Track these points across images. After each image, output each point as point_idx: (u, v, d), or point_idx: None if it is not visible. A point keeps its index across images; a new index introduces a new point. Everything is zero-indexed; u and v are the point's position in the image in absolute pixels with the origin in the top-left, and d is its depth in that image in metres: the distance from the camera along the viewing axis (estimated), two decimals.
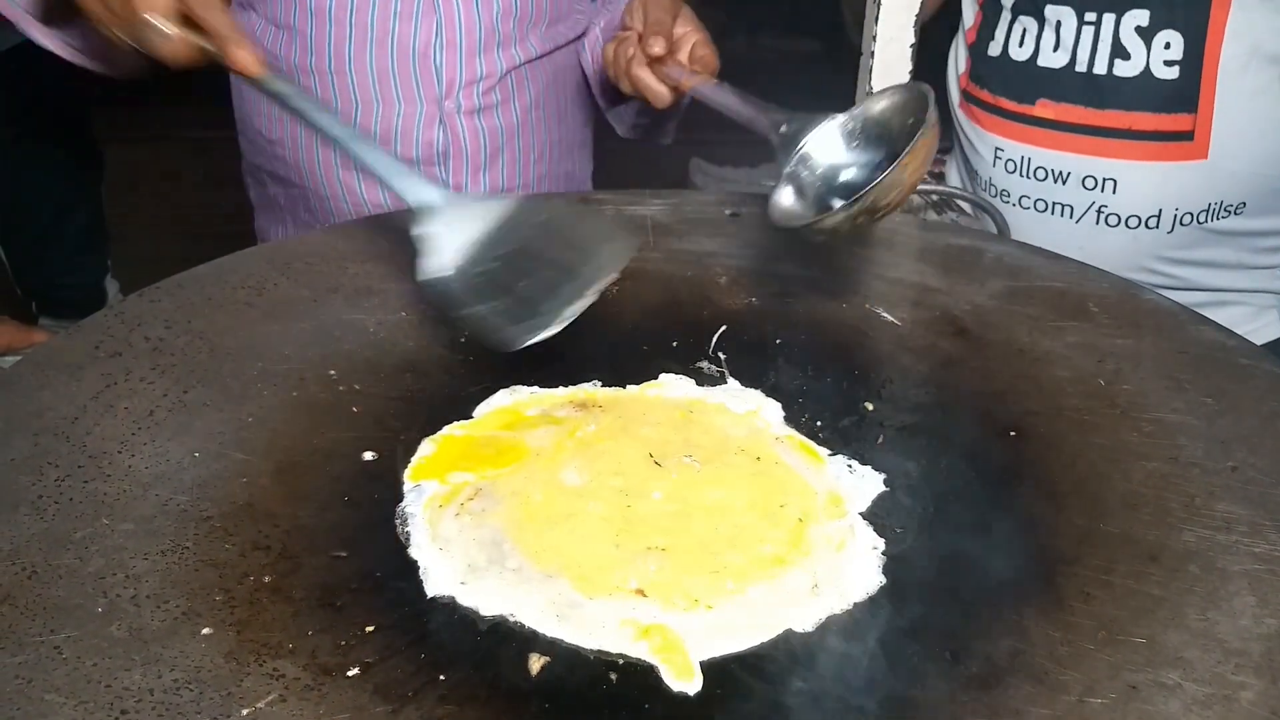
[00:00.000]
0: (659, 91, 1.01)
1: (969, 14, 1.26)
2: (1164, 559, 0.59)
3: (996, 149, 1.22)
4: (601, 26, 1.28)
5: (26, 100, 1.88)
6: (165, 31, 0.76)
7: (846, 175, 0.79)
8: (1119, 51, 1.12)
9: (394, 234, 0.82)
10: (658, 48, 0.99)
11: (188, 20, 0.77)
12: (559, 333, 0.70)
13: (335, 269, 0.89)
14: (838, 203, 0.74)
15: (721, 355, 0.80)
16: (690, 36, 1.02)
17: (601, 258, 0.76)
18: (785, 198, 0.79)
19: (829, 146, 0.80)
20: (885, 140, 0.77)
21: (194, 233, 3.33)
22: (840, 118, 0.80)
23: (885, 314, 0.84)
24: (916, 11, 1.09)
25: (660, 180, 1.09)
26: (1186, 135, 1.12)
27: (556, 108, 1.28)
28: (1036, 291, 0.86)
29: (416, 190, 0.76)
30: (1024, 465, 0.68)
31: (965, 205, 1.20)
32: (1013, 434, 0.70)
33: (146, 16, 0.75)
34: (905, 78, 1.11)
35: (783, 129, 0.82)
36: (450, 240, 0.74)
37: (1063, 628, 0.55)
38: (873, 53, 1.10)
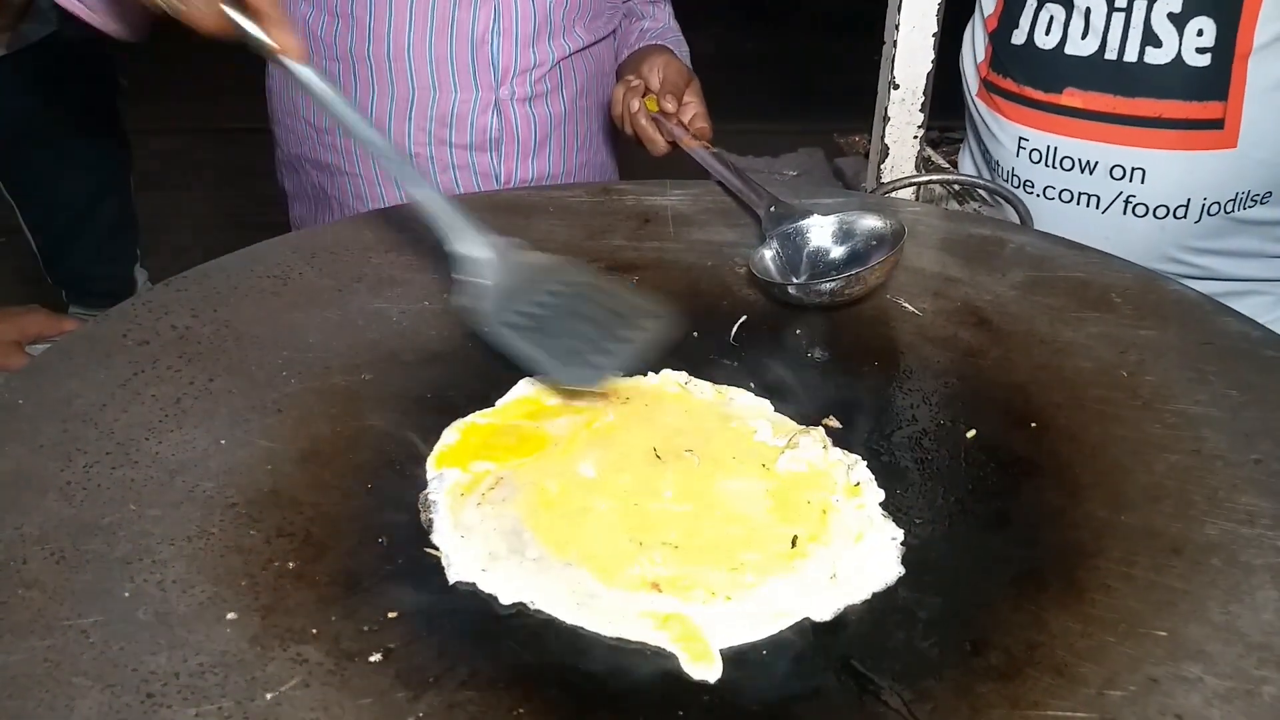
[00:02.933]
0: (658, 142, 1.13)
1: (989, 2, 1.25)
2: (1186, 552, 0.59)
3: (1020, 139, 1.21)
4: (621, 32, 1.33)
5: (56, 91, 1.90)
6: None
7: (816, 258, 0.92)
8: (1150, 39, 1.11)
9: (417, 224, 0.82)
10: (670, 105, 1.11)
11: None
12: None
13: (359, 258, 0.90)
14: (803, 278, 0.89)
15: (737, 345, 0.80)
16: (695, 106, 1.13)
17: (641, 321, 0.77)
18: (764, 259, 0.90)
19: (808, 234, 0.92)
20: (851, 243, 0.90)
21: (222, 223, 3.38)
22: (821, 220, 0.92)
23: (906, 304, 0.84)
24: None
25: (681, 171, 1.10)
26: (1217, 124, 1.11)
27: (599, 98, 1.31)
28: (1059, 282, 0.86)
29: (466, 241, 0.78)
30: (1045, 456, 0.67)
31: (986, 195, 1.19)
32: (1034, 425, 0.70)
33: None
34: (928, 67, 1.11)
35: (771, 209, 0.94)
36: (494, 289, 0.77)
37: (1083, 620, 0.55)
38: (895, 42, 1.10)
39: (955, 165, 1.40)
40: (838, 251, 0.90)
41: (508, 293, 0.76)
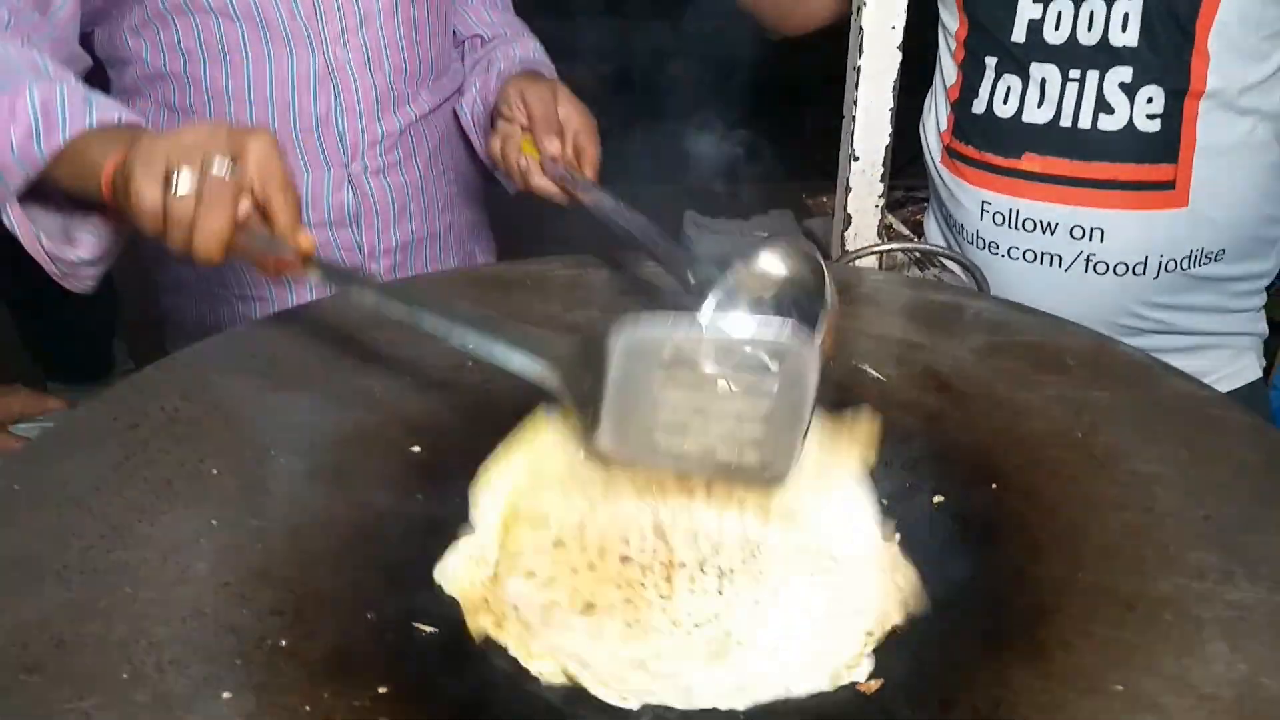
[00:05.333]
0: (559, 196, 1.05)
1: (950, 73, 1.30)
2: (1140, 607, 0.62)
3: (983, 202, 1.26)
4: (478, 88, 1.31)
5: None
6: (223, 168, 0.75)
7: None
8: (1103, 106, 1.16)
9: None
10: (553, 147, 1.04)
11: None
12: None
13: (344, 337, 0.93)
14: None
15: None
16: (572, 121, 1.06)
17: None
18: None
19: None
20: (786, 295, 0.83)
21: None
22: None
23: (872, 370, 0.87)
24: (895, 76, 1.13)
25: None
26: (1169, 185, 1.16)
27: (453, 158, 1.32)
28: (1015, 346, 0.89)
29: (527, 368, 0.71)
30: (1005, 517, 0.70)
31: (945, 261, 1.24)
32: (995, 486, 0.73)
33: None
34: (886, 140, 1.15)
35: (691, 270, 0.87)
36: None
37: (1045, 677, 0.58)
38: (854, 116, 1.14)
39: (921, 226, 1.45)
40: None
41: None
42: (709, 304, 0.84)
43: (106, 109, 0.85)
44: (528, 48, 1.33)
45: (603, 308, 0.99)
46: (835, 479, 0.72)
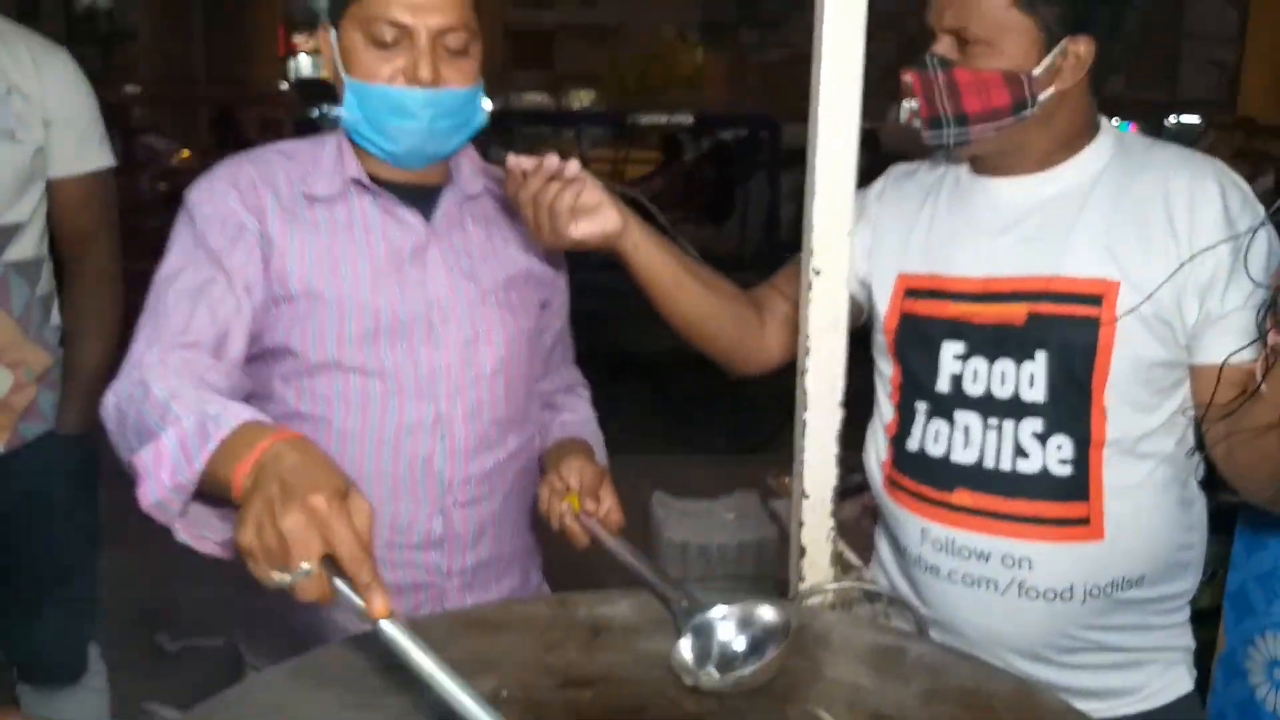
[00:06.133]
0: (581, 538, 1.30)
1: (887, 412, 1.44)
2: None
3: (923, 529, 1.37)
4: (543, 425, 1.54)
5: (45, 487, 2.01)
6: (309, 570, 0.84)
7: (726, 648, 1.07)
8: (1020, 452, 1.30)
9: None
10: (591, 505, 1.30)
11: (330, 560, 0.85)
12: None
13: (349, 684, 1.00)
14: (714, 671, 1.04)
15: None
16: (609, 501, 1.33)
17: None
18: (682, 651, 1.05)
19: (715, 627, 1.08)
20: (750, 631, 1.07)
21: (170, 588, 3.38)
22: (726, 611, 1.08)
23: (825, 715, 0.97)
24: (838, 429, 1.29)
25: (626, 531, 1.30)
26: (1084, 520, 1.29)
27: (525, 492, 1.47)
28: (951, 691, 0.99)
29: None
30: None
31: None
32: None
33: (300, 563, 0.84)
34: (833, 481, 1.29)
35: (684, 603, 1.10)
36: None
37: None
38: (803, 461, 1.29)
39: (871, 544, 1.56)
40: (740, 643, 1.06)
41: None
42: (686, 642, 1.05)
43: (224, 424, 0.98)
44: (578, 411, 1.57)
45: (580, 649, 1.08)
46: None
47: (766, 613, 1.06)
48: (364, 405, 1.32)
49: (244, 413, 1.00)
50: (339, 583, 0.85)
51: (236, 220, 1.29)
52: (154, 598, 3.24)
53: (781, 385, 1.39)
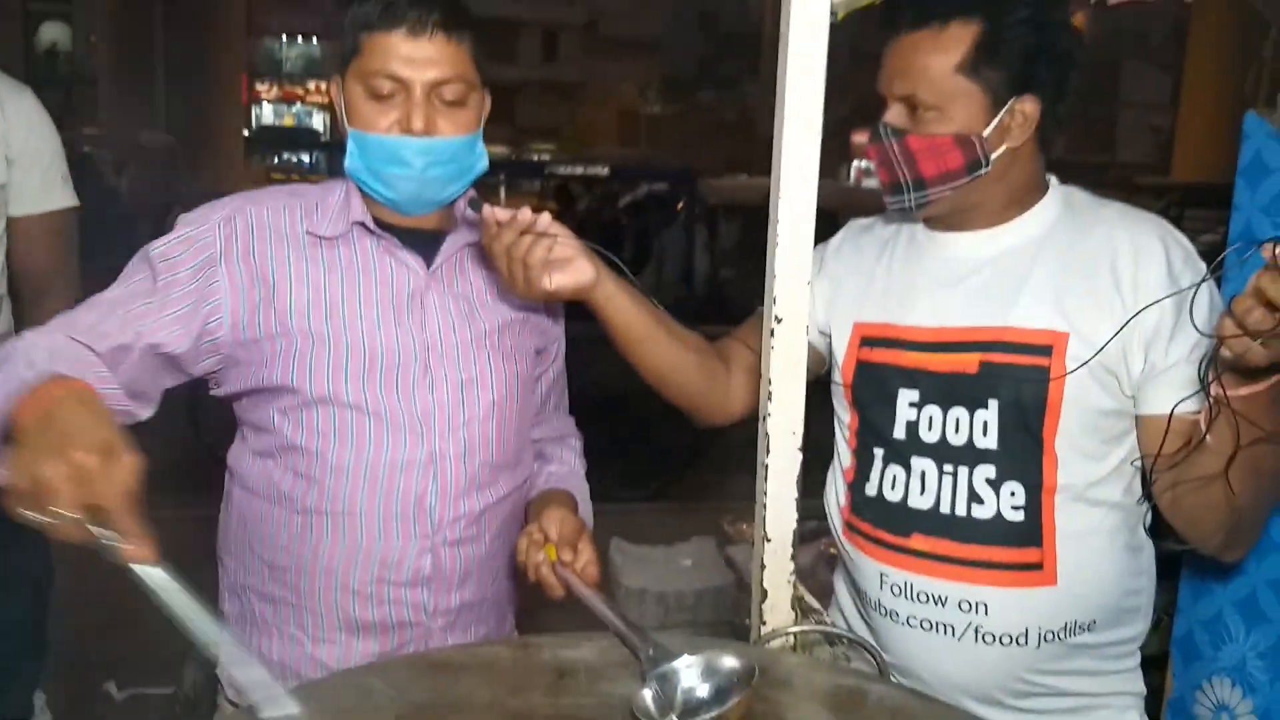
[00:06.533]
0: (556, 588, 1.30)
1: (845, 457, 1.48)
2: None
3: (881, 574, 1.40)
4: (531, 474, 1.55)
5: None
6: (65, 515, 0.88)
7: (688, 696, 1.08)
8: (974, 497, 1.34)
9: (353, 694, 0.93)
10: (567, 556, 1.31)
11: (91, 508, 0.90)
12: None
13: None
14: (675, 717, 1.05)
15: None
16: (586, 554, 1.34)
17: None
18: (644, 698, 1.06)
19: (680, 675, 1.09)
20: (715, 680, 1.08)
21: (118, 636, 3.31)
22: (690, 660, 1.09)
23: None
24: (797, 472, 1.31)
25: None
26: (1037, 565, 1.32)
27: (511, 537, 1.48)
28: None
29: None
30: None
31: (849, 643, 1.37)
32: None
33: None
34: (793, 524, 1.32)
35: (650, 651, 1.11)
36: None
37: None
38: (765, 504, 1.31)
39: (832, 588, 1.58)
40: (704, 690, 1.07)
41: None
42: (648, 691, 1.06)
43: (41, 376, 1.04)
44: (566, 462, 1.60)
45: (544, 692, 1.09)
46: None
47: (731, 660, 1.07)
48: (358, 441, 1.35)
49: (65, 369, 1.07)
50: (99, 529, 0.89)
51: (209, 254, 1.33)
52: (101, 646, 3.17)
53: (687, 429, 1.41)
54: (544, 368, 1.56)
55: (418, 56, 1.31)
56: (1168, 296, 1.25)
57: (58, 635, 2.36)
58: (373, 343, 1.36)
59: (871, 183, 1.43)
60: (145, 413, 1.32)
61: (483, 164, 1.41)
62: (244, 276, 1.34)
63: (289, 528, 1.38)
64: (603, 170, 8.70)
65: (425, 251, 1.41)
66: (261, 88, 24.71)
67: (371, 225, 1.38)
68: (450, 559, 1.40)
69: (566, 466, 1.60)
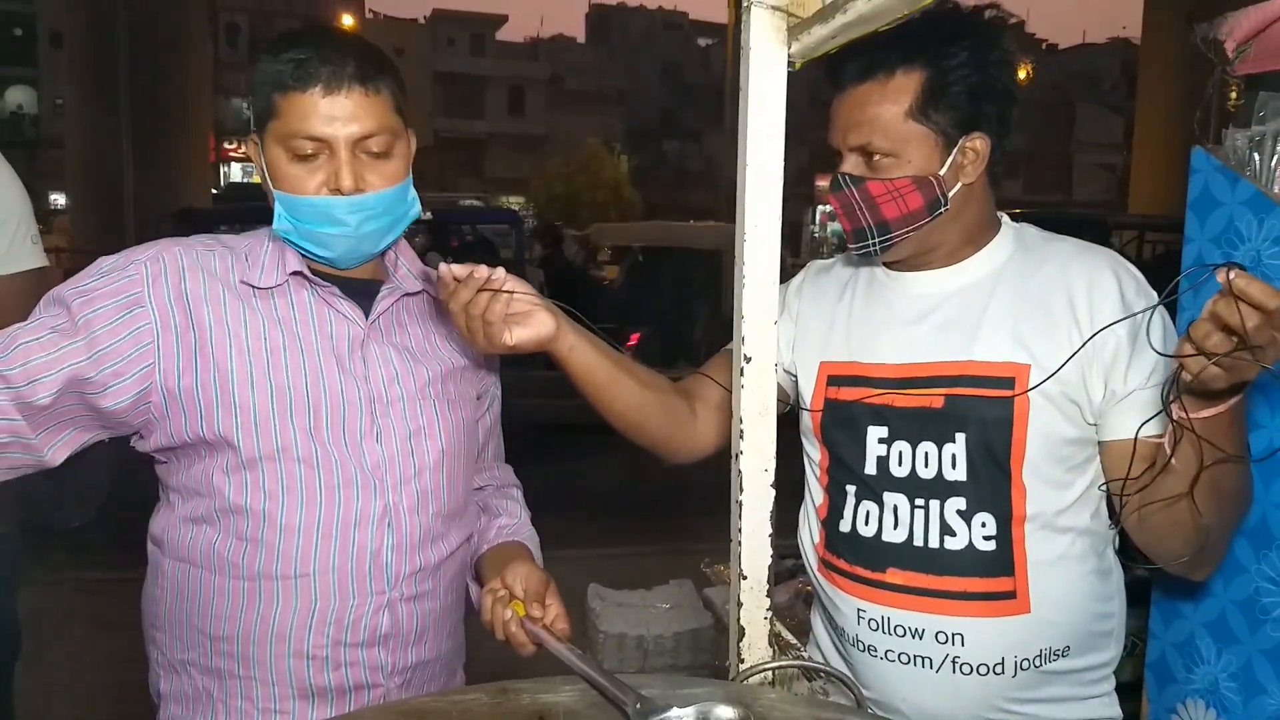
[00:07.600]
0: (527, 645, 1.30)
1: (817, 494, 1.49)
2: None
3: (858, 609, 1.41)
4: (479, 528, 1.54)
5: None
6: None
7: None
8: (946, 530, 1.35)
9: None
10: (537, 611, 1.30)
11: None
12: None
13: None
14: None
15: None
16: (555, 608, 1.33)
17: None
18: None
19: None
20: None
21: (89, 689, 3.26)
22: (681, 713, 1.07)
23: None
24: (770, 510, 1.33)
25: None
26: (1010, 594, 1.34)
27: (461, 590, 1.49)
28: None
29: None
30: None
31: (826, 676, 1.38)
32: None
33: None
34: (768, 560, 1.33)
35: (638, 705, 1.08)
36: None
37: None
38: (740, 541, 1.32)
39: (809, 624, 1.59)
40: None
41: None
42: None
43: None
44: (514, 514, 1.58)
45: None
46: None
47: (724, 712, 1.06)
48: (309, 498, 1.30)
49: None
50: None
51: (134, 294, 1.27)
52: (70, 713, 3.11)
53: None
54: (481, 413, 1.54)
55: (338, 114, 1.27)
56: (1123, 319, 1.28)
57: (22, 702, 2.32)
58: (317, 394, 1.31)
59: (836, 226, 1.45)
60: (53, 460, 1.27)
61: (415, 209, 1.38)
62: (176, 317, 1.28)
63: (233, 596, 1.31)
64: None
65: (362, 302, 1.38)
66: (229, 147, 24.77)
67: (309, 275, 1.35)
68: (407, 615, 1.37)
69: (515, 519, 1.58)
